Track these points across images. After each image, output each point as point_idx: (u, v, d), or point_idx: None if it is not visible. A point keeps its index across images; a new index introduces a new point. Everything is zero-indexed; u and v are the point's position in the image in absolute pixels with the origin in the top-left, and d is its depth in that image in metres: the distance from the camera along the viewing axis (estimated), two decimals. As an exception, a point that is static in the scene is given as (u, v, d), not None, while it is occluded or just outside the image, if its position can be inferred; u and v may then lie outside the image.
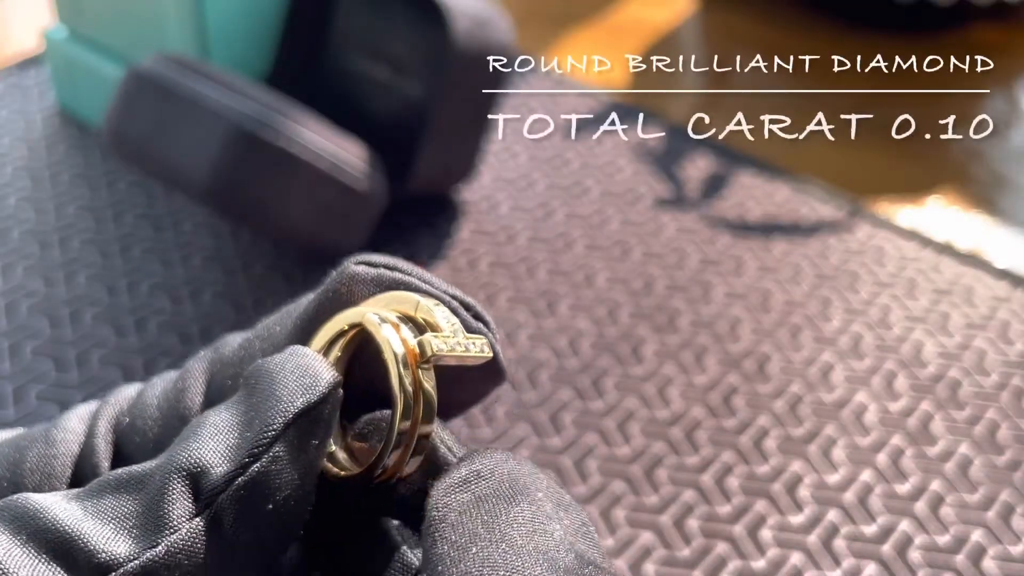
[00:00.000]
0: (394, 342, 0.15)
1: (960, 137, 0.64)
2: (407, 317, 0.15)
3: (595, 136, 0.61)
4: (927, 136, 0.65)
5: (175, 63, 0.46)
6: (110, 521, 0.13)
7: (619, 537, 0.38)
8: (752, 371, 0.45)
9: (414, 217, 0.53)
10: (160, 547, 0.12)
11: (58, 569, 0.12)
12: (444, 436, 0.16)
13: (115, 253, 0.50)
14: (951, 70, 0.72)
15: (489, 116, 0.51)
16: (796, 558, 0.37)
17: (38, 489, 0.15)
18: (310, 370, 0.14)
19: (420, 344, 0.15)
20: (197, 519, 0.13)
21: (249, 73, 0.54)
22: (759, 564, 0.37)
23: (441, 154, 0.50)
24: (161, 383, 0.17)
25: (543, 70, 0.67)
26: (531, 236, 0.53)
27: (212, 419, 0.14)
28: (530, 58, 0.69)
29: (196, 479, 0.13)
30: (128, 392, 0.17)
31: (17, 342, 0.45)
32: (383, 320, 0.15)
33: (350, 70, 0.54)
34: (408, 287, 0.16)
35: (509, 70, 0.51)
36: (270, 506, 0.13)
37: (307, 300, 0.17)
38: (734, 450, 0.41)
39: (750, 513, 0.39)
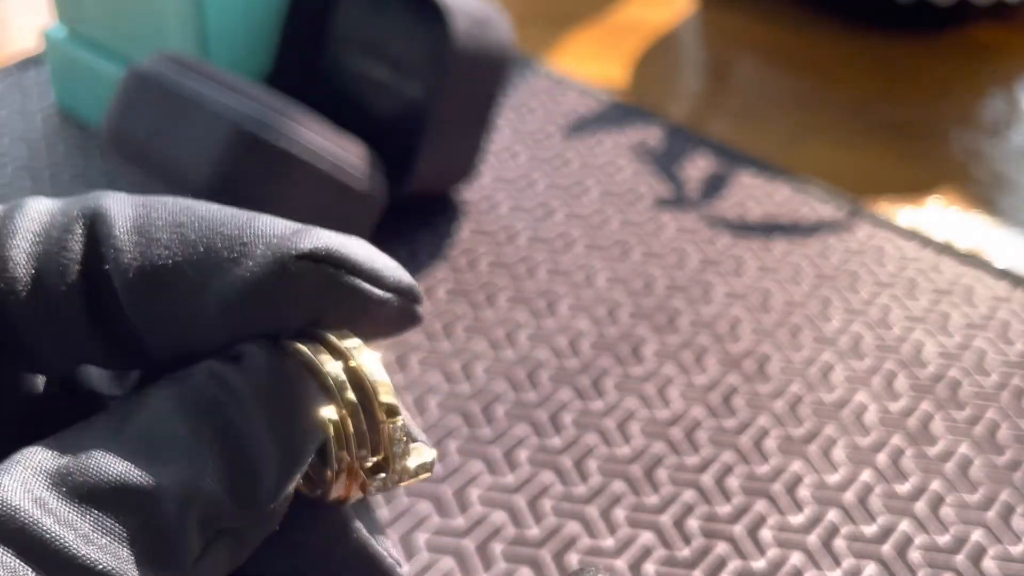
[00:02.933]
0: (332, 370, 0.15)
1: (960, 137, 0.64)
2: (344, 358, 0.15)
3: (595, 136, 0.61)
4: (927, 136, 0.65)
5: (175, 63, 0.46)
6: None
7: (619, 537, 0.38)
8: (752, 371, 0.45)
9: (414, 217, 0.53)
10: None
11: None
12: (410, 431, 0.16)
13: (115, 253, 0.50)
14: (951, 70, 0.72)
15: (489, 116, 0.51)
16: (796, 558, 0.37)
17: None
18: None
19: (362, 486, 0.15)
20: None
21: (249, 73, 0.54)
22: (759, 564, 0.37)
23: (441, 154, 0.50)
24: (31, 213, 0.15)
25: (543, 70, 0.67)
26: (531, 236, 0.53)
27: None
28: (530, 58, 0.69)
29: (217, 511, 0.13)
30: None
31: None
32: (318, 352, 0.15)
33: (350, 70, 0.54)
34: (356, 289, 0.15)
35: (509, 70, 0.51)
36: None
37: (230, 271, 0.15)
38: (734, 450, 0.41)
39: (750, 513, 0.39)
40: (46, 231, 0.14)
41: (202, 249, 0.14)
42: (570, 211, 0.55)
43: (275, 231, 0.15)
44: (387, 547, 0.15)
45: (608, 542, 0.38)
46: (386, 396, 0.15)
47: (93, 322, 0.14)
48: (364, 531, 0.15)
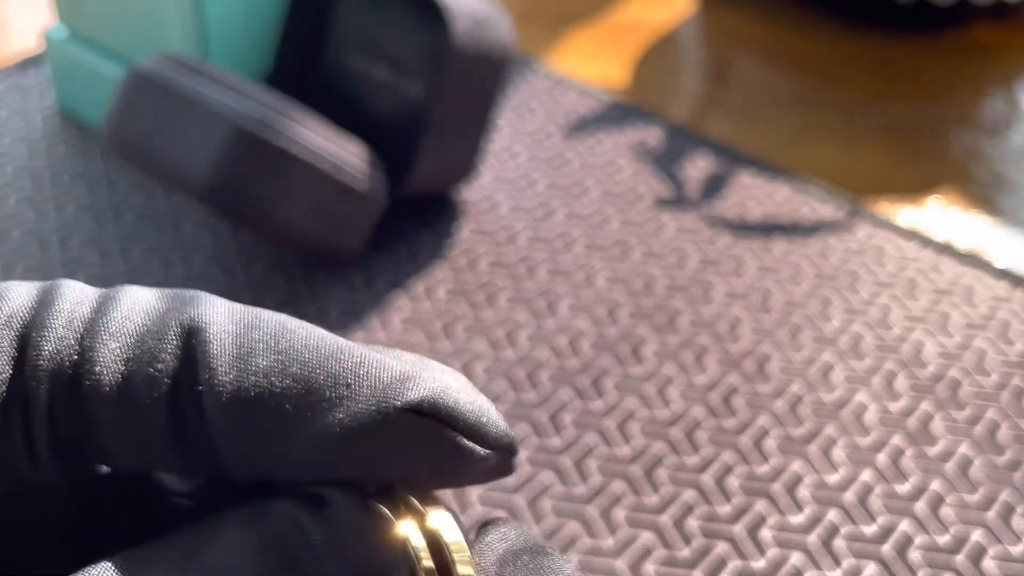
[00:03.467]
0: (414, 538, 0.14)
1: (960, 137, 0.64)
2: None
3: (595, 136, 0.61)
4: (927, 136, 0.65)
5: (175, 63, 0.46)
6: None
7: (619, 537, 0.38)
8: (752, 371, 0.45)
9: (414, 217, 0.53)
10: None
11: None
12: None
13: (115, 253, 0.50)
14: (951, 70, 0.72)
15: (489, 116, 0.51)
16: (796, 558, 0.37)
17: None
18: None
19: None
20: None
21: (249, 73, 0.54)
22: (759, 564, 0.37)
23: (441, 154, 0.50)
24: (125, 307, 0.14)
25: (543, 70, 0.67)
26: (531, 236, 0.53)
27: None
28: (530, 58, 0.69)
29: None
30: (67, 302, 0.14)
31: (17, 342, 0.45)
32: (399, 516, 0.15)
33: (350, 70, 0.54)
34: (459, 447, 0.15)
35: (509, 70, 0.51)
36: None
37: (332, 423, 0.14)
38: (734, 450, 0.41)
39: (750, 513, 0.39)
40: (140, 336, 0.14)
41: (303, 385, 0.14)
42: (570, 211, 0.55)
43: (382, 376, 0.14)
44: None
45: (608, 542, 0.38)
46: (464, 567, 0.14)
47: (175, 437, 0.14)
48: None
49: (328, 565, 0.13)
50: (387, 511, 0.14)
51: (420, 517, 0.15)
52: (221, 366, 0.14)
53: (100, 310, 0.14)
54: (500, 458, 0.15)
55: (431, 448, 0.14)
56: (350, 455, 0.14)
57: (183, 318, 0.14)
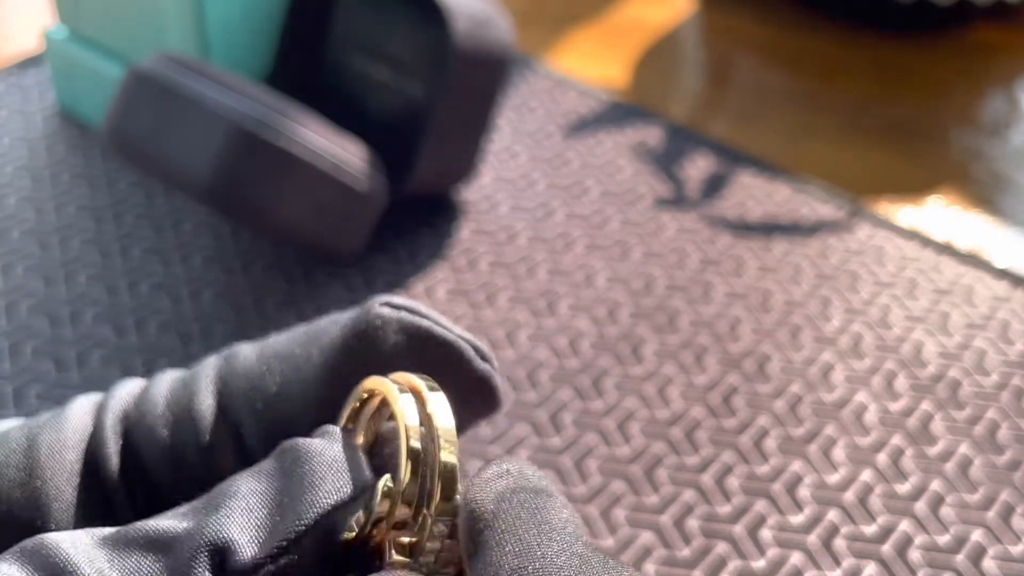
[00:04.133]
0: (409, 416, 0.15)
1: (960, 137, 0.64)
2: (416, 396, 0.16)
3: (595, 136, 0.61)
4: (927, 136, 0.65)
5: (175, 63, 0.46)
6: None
7: (619, 537, 0.38)
8: (752, 371, 0.45)
9: (414, 217, 0.53)
10: None
11: None
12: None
13: (115, 253, 0.50)
14: (951, 70, 0.72)
15: (489, 116, 0.51)
16: (796, 558, 0.37)
17: (52, 476, 0.16)
18: (348, 467, 0.15)
19: (381, 555, 0.15)
20: None
21: (249, 73, 0.54)
22: (759, 564, 0.37)
23: (441, 154, 0.50)
24: (167, 381, 0.17)
25: (543, 70, 0.67)
26: (531, 236, 0.53)
27: (244, 489, 0.14)
28: (530, 58, 0.69)
29: (224, 556, 0.13)
30: (131, 387, 0.17)
31: (17, 342, 0.45)
32: (402, 391, 0.15)
33: (350, 70, 0.54)
34: (428, 331, 0.17)
35: (509, 70, 0.51)
36: None
37: (330, 331, 0.18)
38: (734, 450, 0.41)
39: (750, 513, 0.39)
40: (176, 400, 0.17)
41: (296, 350, 0.17)
42: (570, 211, 0.55)
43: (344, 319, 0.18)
44: None
45: (608, 542, 0.38)
46: (448, 455, 0.15)
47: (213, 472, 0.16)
48: None
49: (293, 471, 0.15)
50: (390, 388, 0.16)
51: (421, 400, 0.15)
52: (246, 408, 0.17)
53: (144, 392, 0.17)
54: (478, 359, 0.17)
55: (412, 332, 0.17)
56: (349, 362, 0.17)
57: (216, 380, 0.17)
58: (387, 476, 0.15)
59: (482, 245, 0.52)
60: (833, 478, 0.41)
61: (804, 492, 0.40)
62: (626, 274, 0.51)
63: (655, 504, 0.39)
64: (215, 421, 0.16)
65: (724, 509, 0.39)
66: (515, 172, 0.58)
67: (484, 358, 0.18)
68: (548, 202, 0.56)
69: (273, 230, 0.46)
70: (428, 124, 0.48)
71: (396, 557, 0.15)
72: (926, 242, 0.54)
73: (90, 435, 0.16)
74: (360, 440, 0.16)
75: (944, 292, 0.51)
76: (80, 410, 0.17)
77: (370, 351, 0.17)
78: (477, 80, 0.49)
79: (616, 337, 0.47)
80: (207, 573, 0.13)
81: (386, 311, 0.17)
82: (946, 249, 0.53)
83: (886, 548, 0.38)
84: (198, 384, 0.17)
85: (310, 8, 0.54)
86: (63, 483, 0.15)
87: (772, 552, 0.38)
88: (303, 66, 0.55)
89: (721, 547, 0.38)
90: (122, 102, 0.45)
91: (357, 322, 0.17)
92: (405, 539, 0.15)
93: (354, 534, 0.15)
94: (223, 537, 0.13)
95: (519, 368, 0.45)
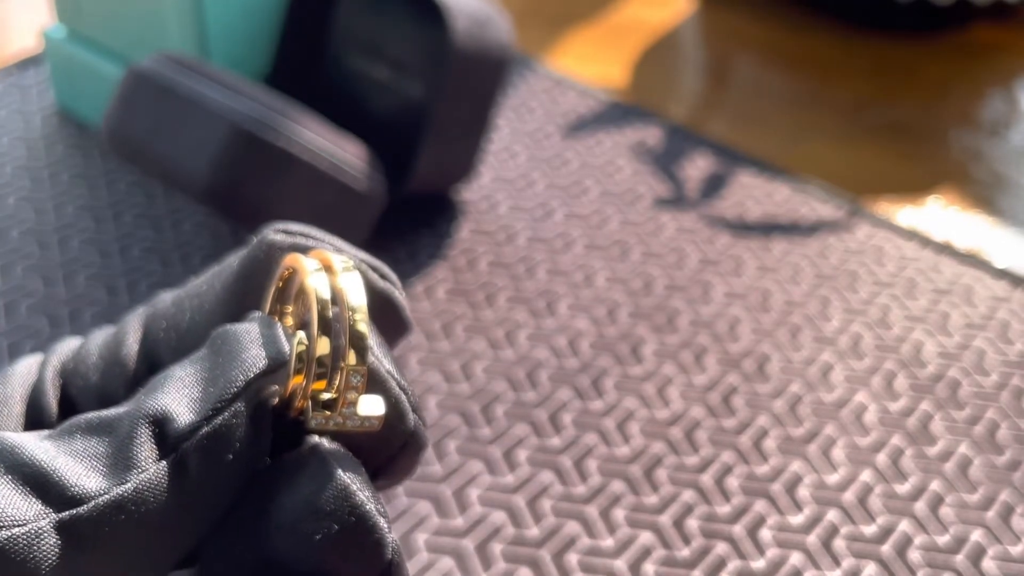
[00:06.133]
0: (321, 289, 0.16)
1: (960, 137, 0.64)
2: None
3: (595, 136, 0.61)
4: (927, 136, 0.65)
5: (175, 63, 0.46)
6: (82, 459, 0.14)
7: (619, 537, 0.38)
8: (752, 371, 0.45)
9: (414, 217, 0.53)
10: (129, 484, 0.14)
11: (34, 499, 0.13)
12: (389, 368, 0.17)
13: (114, 253, 0.50)
14: (951, 70, 0.72)
15: (488, 116, 0.51)
16: (796, 558, 0.37)
17: (2, 425, 0.17)
18: (272, 339, 0.16)
19: (302, 414, 0.16)
20: (163, 462, 0.14)
21: (249, 73, 0.54)
22: (759, 564, 0.37)
23: (441, 154, 0.50)
24: (100, 335, 0.19)
25: (543, 70, 0.67)
26: (531, 236, 0.53)
27: (178, 373, 0.15)
28: (530, 58, 0.69)
29: (163, 426, 0.14)
30: (71, 343, 0.19)
31: (16, 341, 0.45)
32: (316, 269, 0.16)
33: (350, 70, 0.54)
34: (326, 249, 0.18)
35: (509, 70, 0.50)
36: (230, 455, 0.15)
37: (231, 262, 0.18)
38: (734, 450, 0.41)
39: (750, 513, 0.39)
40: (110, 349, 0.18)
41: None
42: (570, 211, 0.55)
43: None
44: (370, 497, 0.16)
45: (608, 542, 0.37)
46: (361, 326, 0.16)
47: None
48: (343, 474, 0.16)
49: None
50: (303, 264, 0.16)
51: (333, 274, 0.16)
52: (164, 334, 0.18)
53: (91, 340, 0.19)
54: (375, 276, 0.18)
55: (307, 249, 0.18)
56: (249, 285, 0.18)
57: (138, 327, 0.18)
58: (301, 334, 0.16)
59: (481, 245, 0.52)
60: (833, 478, 0.41)
61: (804, 492, 0.40)
62: (625, 274, 0.51)
63: (655, 504, 0.39)
64: (138, 361, 0.18)
65: (724, 509, 0.39)
66: (514, 172, 0.58)
67: (384, 277, 0.19)
68: (547, 202, 0.56)
69: (273, 230, 0.46)
70: (427, 124, 0.48)
71: (314, 413, 0.16)
72: (925, 242, 0.54)
73: (32, 385, 0.18)
74: (289, 322, 0.17)
75: (943, 292, 0.51)
76: (24, 366, 0.18)
77: (266, 276, 0.18)
78: (476, 80, 0.49)
79: (615, 337, 0.47)
80: (149, 442, 0.14)
81: (280, 237, 0.18)
82: (945, 249, 0.53)
83: (886, 548, 0.38)
84: (124, 332, 0.18)
85: (310, 8, 0.54)
86: (11, 432, 0.17)
87: (772, 552, 0.38)
88: (303, 66, 0.55)
89: (721, 547, 0.38)
90: (121, 101, 0.45)
91: (252, 250, 0.18)
92: (325, 395, 0.16)
93: (277, 400, 0.16)
94: (160, 409, 0.14)
95: (519, 368, 0.45)
